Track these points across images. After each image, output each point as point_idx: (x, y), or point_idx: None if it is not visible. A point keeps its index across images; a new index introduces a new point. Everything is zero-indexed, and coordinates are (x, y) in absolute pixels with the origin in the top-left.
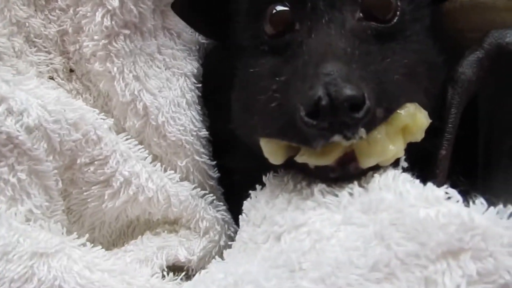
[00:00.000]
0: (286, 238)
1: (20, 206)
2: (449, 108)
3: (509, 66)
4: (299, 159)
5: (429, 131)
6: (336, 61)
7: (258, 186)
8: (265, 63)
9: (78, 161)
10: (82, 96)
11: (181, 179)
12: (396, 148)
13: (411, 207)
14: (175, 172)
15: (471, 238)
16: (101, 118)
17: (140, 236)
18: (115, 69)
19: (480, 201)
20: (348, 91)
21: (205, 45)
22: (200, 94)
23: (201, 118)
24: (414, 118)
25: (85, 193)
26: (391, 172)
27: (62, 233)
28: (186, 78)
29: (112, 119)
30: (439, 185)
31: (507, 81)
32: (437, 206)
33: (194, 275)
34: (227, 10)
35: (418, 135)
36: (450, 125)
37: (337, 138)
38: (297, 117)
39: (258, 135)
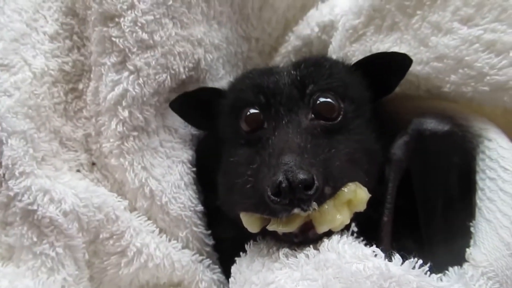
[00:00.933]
0: None
1: (57, 275)
2: (386, 183)
3: (429, 147)
4: (270, 227)
5: (373, 202)
6: (292, 153)
7: (242, 254)
8: (242, 154)
9: (101, 236)
10: (101, 183)
11: (183, 247)
12: (342, 217)
13: (347, 263)
14: (178, 241)
15: (389, 284)
16: (118, 201)
17: None
18: (126, 163)
19: (397, 257)
20: (301, 175)
21: (196, 135)
22: (194, 176)
23: (197, 196)
24: (355, 194)
25: (105, 262)
26: (336, 237)
27: None
28: (183, 164)
29: (127, 201)
30: (384, 246)
31: (430, 158)
32: (365, 261)
33: None
34: (214, 109)
35: (361, 207)
36: (388, 196)
37: (296, 210)
38: (266, 196)
39: (238, 210)
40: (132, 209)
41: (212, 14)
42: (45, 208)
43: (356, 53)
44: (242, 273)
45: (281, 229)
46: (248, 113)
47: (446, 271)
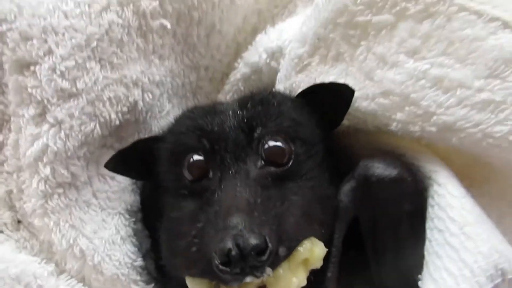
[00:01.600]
0: None
1: None
2: (334, 233)
3: (377, 193)
4: None
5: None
6: (241, 213)
7: None
8: (185, 208)
9: None
10: (29, 242)
11: None
12: (298, 280)
13: None
14: None
15: None
16: (42, 267)
17: None
18: (51, 223)
19: None
20: (253, 240)
21: None
22: (134, 226)
23: (136, 249)
24: (312, 252)
25: None
26: None
27: None
28: (120, 215)
29: (53, 265)
30: None
31: (379, 204)
32: None
33: None
34: (154, 156)
35: (318, 264)
36: (334, 249)
37: (248, 279)
38: (213, 265)
39: (184, 274)
40: (61, 271)
41: (151, 48)
42: None
43: (301, 84)
44: None
45: None
46: (191, 160)
47: None
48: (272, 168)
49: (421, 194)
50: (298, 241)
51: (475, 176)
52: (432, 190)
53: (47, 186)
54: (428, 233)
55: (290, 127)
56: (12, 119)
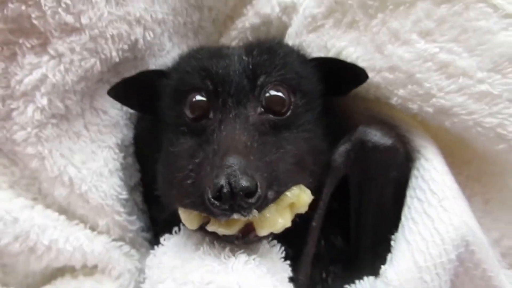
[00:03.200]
0: None
1: None
2: (324, 187)
3: (369, 158)
4: (210, 228)
5: (312, 202)
6: (237, 154)
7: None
8: (184, 144)
9: (2, 242)
10: (9, 169)
11: (101, 233)
12: (284, 221)
13: None
14: (97, 227)
15: None
16: (13, 202)
17: (60, 278)
18: (45, 151)
19: None
20: (244, 182)
21: (134, 112)
22: (123, 161)
23: (122, 183)
24: (299, 198)
25: (14, 260)
26: (243, 257)
27: None
28: (110, 149)
29: (22, 198)
30: (309, 249)
31: (369, 168)
32: None
33: None
34: (157, 90)
35: (303, 209)
36: (321, 202)
37: (236, 216)
38: (205, 198)
39: (177, 205)
40: (42, 200)
41: None
42: None
43: (311, 44)
44: (159, 267)
45: (221, 230)
46: (194, 99)
47: (361, 280)
48: (271, 116)
49: (408, 165)
50: (287, 187)
51: (458, 156)
52: (418, 163)
53: (42, 116)
54: (408, 200)
55: (293, 79)
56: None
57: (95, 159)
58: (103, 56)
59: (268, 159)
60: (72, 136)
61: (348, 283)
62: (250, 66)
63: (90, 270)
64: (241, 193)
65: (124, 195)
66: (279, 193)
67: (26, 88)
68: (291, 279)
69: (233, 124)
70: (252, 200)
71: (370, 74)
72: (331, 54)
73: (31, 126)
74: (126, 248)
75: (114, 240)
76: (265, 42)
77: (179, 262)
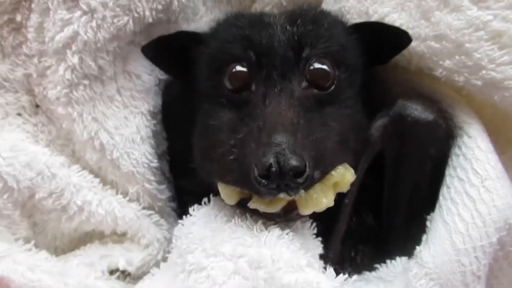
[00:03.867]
0: (193, 277)
1: None
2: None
3: (408, 134)
4: (252, 205)
5: None
6: (285, 132)
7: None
8: (224, 117)
9: (37, 196)
10: (47, 127)
11: (131, 201)
12: (328, 201)
13: (279, 271)
14: (127, 195)
15: None
16: (53, 158)
17: (89, 244)
18: (75, 113)
19: (331, 271)
20: (294, 162)
21: (164, 79)
22: (155, 128)
23: (153, 150)
24: (343, 177)
25: (45, 217)
26: (277, 231)
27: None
28: (142, 115)
29: (63, 157)
30: (341, 227)
31: (407, 144)
32: (298, 272)
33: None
34: (192, 56)
35: (346, 188)
36: (355, 178)
37: (282, 195)
38: (251, 175)
39: (217, 180)
40: (72, 163)
41: None
42: None
43: (351, 10)
44: (183, 238)
45: (263, 208)
46: (234, 70)
47: (393, 260)
48: (315, 91)
49: (448, 142)
50: (332, 166)
51: (503, 134)
52: (460, 141)
53: (73, 76)
54: (448, 179)
55: (338, 52)
56: None
57: (127, 125)
58: (136, 15)
59: (314, 137)
60: (106, 100)
61: (378, 263)
62: (295, 37)
63: (119, 237)
64: (290, 172)
65: (155, 163)
66: (325, 173)
67: (57, 45)
68: (321, 256)
69: (278, 99)
70: (301, 180)
71: (414, 43)
72: (372, 20)
73: (62, 85)
74: (156, 217)
75: (144, 208)
76: (308, 11)
77: (209, 233)
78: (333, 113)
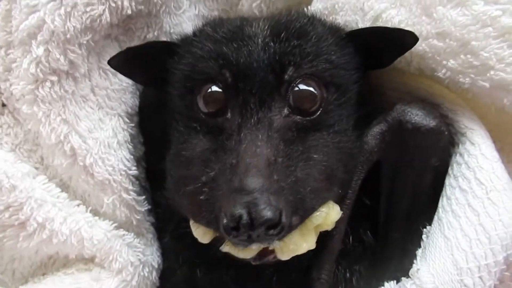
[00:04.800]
0: None
1: None
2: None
3: (408, 142)
4: (224, 249)
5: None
6: (259, 175)
7: None
8: (197, 146)
9: None
10: (13, 129)
11: (103, 218)
12: (308, 244)
13: None
14: (101, 208)
15: None
16: (15, 167)
17: (56, 272)
18: (40, 113)
19: None
20: (267, 213)
21: None
22: (132, 132)
23: (131, 156)
24: (327, 218)
25: (1, 234)
26: None
27: None
28: (119, 117)
29: (28, 165)
30: (335, 245)
31: (406, 153)
32: None
33: None
34: (165, 68)
35: (330, 227)
36: (350, 191)
37: (254, 246)
38: (220, 224)
39: (189, 217)
40: (43, 169)
41: None
42: None
43: (345, 7)
44: None
45: (236, 253)
46: (210, 90)
47: (390, 281)
48: (298, 117)
49: (450, 150)
50: (314, 209)
51: (508, 141)
52: (462, 148)
53: (38, 70)
54: (448, 190)
55: (327, 71)
56: None
57: (102, 128)
58: (113, 5)
59: (293, 178)
60: (78, 100)
61: (374, 285)
62: (277, 57)
63: (86, 264)
64: (263, 225)
65: (133, 170)
66: (304, 218)
67: (22, 35)
68: (313, 279)
69: (255, 133)
70: (275, 232)
71: None
72: (368, 17)
73: (27, 80)
74: (129, 237)
75: (116, 228)
76: (295, 20)
77: None
78: (318, 143)
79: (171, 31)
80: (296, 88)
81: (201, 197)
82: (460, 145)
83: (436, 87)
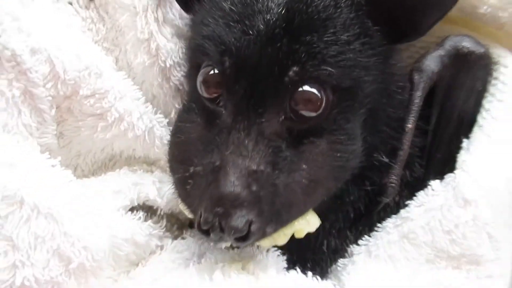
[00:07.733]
0: None
1: (10, 120)
2: (416, 90)
3: (461, 65)
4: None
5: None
6: (236, 186)
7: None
8: (192, 132)
9: (80, 93)
10: (95, 25)
11: (170, 124)
12: (287, 237)
13: None
14: (169, 115)
15: None
16: (102, 54)
17: (118, 170)
18: (140, 6)
19: None
20: (236, 224)
21: None
22: None
23: None
24: (300, 231)
25: (80, 122)
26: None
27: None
28: None
29: (111, 57)
30: (404, 153)
31: (458, 76)
32: None
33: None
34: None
35: (303, 235)
36: (416, 101)
37: (225, 244)
38: (195, 220)
39: (178, 196)
40: (121, 67)
41: None
42: (9, 36)
43: None
44: None
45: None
46: (211, 73)
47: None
48: (295, 123)
49: (489, 76)
50: (289, 221)
51: None
52: (497, 73)
53: None
54: (486, 105)
55: (335, 73)
56: None
57: (182, 36)
58: None
59: (272, 189)
60: (168, 3)
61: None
62: (281, 54)
63: (149, 165)
64: (231, 233)
65: None
66: (277, 229)
67: None
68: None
69: (244, 138)
70: (243, 244)
71: None
72: None
73: None
74: None
75: None
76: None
77: None
78: (311, 151)
79: None
80: (298, 90)
81: (187, 187)
82: (494, 73)
83: (462, 31)
